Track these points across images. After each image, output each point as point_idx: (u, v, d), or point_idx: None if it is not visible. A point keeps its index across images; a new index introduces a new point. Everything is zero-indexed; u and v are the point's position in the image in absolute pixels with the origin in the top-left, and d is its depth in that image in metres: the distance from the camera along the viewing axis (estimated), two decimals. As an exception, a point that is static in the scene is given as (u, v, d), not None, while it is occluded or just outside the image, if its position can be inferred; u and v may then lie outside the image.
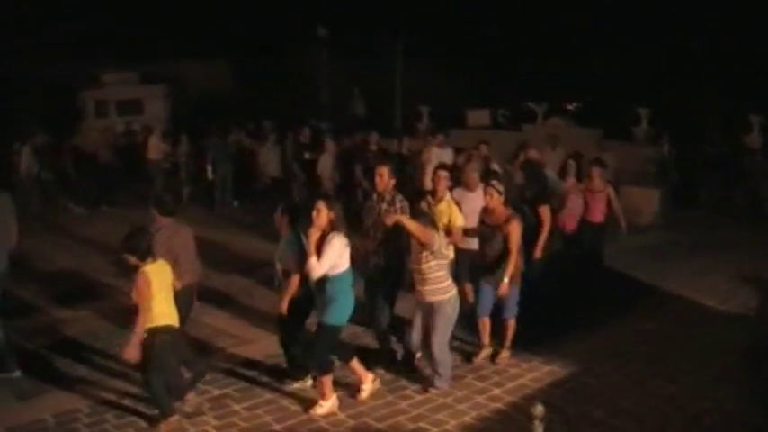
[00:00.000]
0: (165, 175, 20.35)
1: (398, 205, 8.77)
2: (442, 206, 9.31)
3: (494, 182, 9.08)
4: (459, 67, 34.35)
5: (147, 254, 7.29)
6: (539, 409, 4.75)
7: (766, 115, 19.57)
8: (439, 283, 8.02)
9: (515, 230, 8.77)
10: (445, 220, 9.03)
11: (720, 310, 10.95)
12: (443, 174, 9.65)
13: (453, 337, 8.74)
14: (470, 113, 26.58)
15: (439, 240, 7.95)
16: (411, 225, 7.93)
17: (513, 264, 8.74)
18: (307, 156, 18.63)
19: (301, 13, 31.78)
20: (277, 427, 7.56)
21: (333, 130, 23.88)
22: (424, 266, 7.96)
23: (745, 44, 25.50)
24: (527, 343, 9.40)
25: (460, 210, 9.41)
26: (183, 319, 7.89)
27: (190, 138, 20.86)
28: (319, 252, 7.53)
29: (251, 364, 9.06)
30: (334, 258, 7.52)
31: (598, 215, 11.91)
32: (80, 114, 28.35)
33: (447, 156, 15.28)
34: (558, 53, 35.65)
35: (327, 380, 7.77)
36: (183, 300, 7.88)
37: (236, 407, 7.91)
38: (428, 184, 11.87)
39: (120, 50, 31.35)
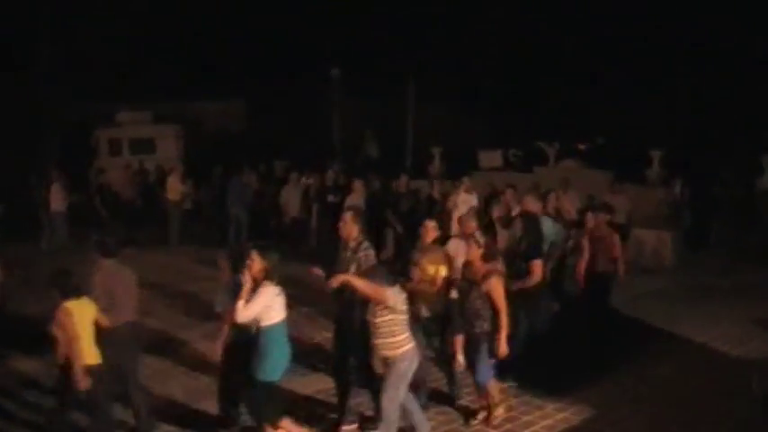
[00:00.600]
0: (182, 216, 20.55)
1: (361, 254, 8.38)
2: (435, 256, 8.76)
3: (476, 234, 9.09)
4: (471, 108, 34.57)
5: (71, 292, 7.59)
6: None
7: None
8: (391, 337, 7.64)
9: (496, 287, 8.48)
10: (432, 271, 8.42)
11: (734, 357, 10.89)
12: (431, 225, 9.48)
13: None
14: (482, 154, 26.60)
15: (394, 296, 7.61)
16: (359, 284, 7.67)
17: (503, 322, 8.47)
18: (330, 198, 18.50)
19: (316, 54, 32.08)
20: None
21: (345, 171, 23.99)
22: (378, 320, 7.66)
23: (758, 84, 25.59)
24: (540, 387, 9.42)
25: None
26: (122, 356, 8.11)
27: (207, 179, 21.08)
28: None
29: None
30: (261, 306, 7.41)
31: (604, 263, 11.44)
32: (94, 152, 28.60)
33: (474, 200, 15.39)
34: (570, 94, 35.84)
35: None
36: (119, 338, 8.01)
37: None
38: (455, 230, 11.80)
39: (136, 90, 31.72)
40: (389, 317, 7.58)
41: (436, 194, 18.38)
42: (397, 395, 7.66)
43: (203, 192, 22.20)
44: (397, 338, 7.62)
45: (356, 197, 17.07)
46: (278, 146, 29.83)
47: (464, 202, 14.81)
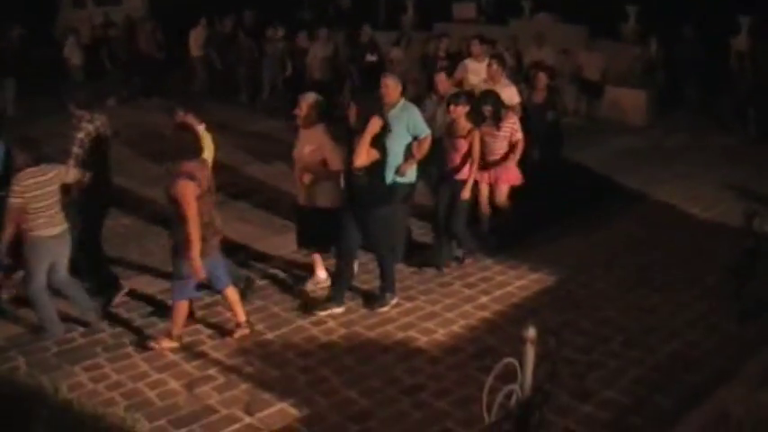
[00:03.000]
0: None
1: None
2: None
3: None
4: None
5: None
6: (531, 332, 4.78)
7: (756, 16, 19.30)
8: None
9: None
10: None
11: (705, 218, 11.04)
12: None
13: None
14: (456, 6, 26.02)
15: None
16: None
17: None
18: (370, 58, 17.03)
19: None
20: (270, 335, 7.65)
21: (316, 21, 23.42)
22: None
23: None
24: (514, 249, 9.56)
25: None
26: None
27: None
28: None
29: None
30: None
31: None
32: (56, 5, 27.64)
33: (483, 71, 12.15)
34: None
35: None
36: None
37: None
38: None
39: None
40: None
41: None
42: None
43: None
44: None
45: (319, 47, 17.03)
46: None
47: (474, 72, 12.49)
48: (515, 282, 8.86)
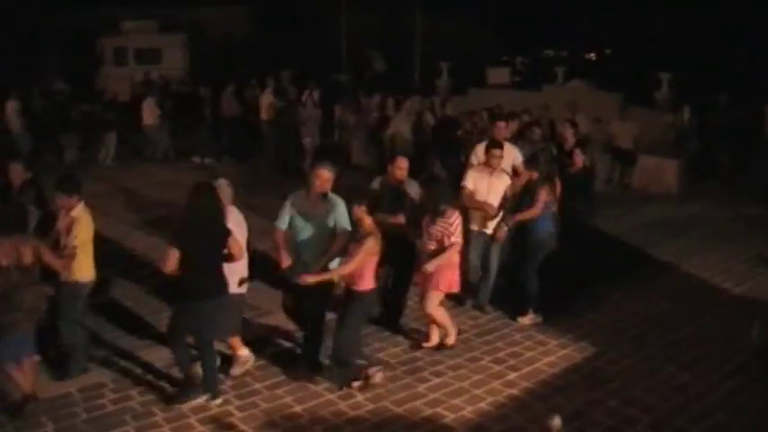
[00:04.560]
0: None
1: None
2: None
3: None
4: (479, 19, 34.14)
5: None
6: (556, 422, 4.84)
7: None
8: None
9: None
10: None
11: (736, 294, 11.00)
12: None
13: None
14: (491, 71, 26.42)
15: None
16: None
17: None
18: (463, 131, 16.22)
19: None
20: (298, 408, 7.70)
21: (353, 84, 23.83)
22: None
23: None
24: (542, 324, 9.61)
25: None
26: None
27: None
28: None
29: (270, 338, 9.19)
30: None
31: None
32: (98, 61, 28.43)
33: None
34: (578, 4, 35.44)
35: None
36: None
37: (258, 386, 8.04)
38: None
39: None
40: None
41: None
42: None
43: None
44: None
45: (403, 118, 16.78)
46: (283, 55, 29.56)
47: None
48: (543, 358, 8.86)
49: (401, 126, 16.76)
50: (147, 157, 19.80)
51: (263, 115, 19.53)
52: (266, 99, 19.64)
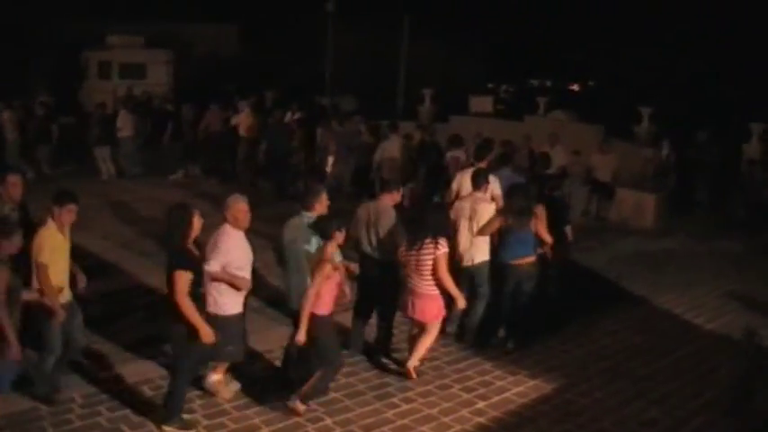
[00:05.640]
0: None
1: None
2: None
3: None
4: (465, 45, 34.36)
5: None
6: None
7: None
8: None
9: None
10: None
11: (708, 330, 11.04)
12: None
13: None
14: (473, 99, 26.55)
15: None
16: None
17: None
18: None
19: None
20: (266, 430, 7.67)
21: (335, 107, 23.90)
22: None
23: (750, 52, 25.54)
24: (513, 354, 9.62)
25: None
26: None
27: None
28: None
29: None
30: None
31: None
32: (82, 74, 28.41)
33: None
34: (564, 35, 35.75)
35: None
36: None
37: (227, 406, 8.01)
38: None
39: (126, 9, 31.38)
40: None
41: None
42: None
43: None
44: None
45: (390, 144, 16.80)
46: (269, 75, 29.65)
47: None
48: (513, 388, 8.86)
49: (391, 151, 16.74)
50: (129, 174, 19.65)
51: (243, 133, 19.50)
52: (246, 117, 19.64)
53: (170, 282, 7.28)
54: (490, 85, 40.63)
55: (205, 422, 7.74)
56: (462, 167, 12.86)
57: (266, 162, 18.90)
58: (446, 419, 8.07)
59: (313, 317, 7.78)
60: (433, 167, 16.26)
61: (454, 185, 11.53)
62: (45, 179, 17.71)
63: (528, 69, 47.79)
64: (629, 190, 17.11)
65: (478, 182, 10.19)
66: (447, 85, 27.55)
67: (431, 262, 8.58)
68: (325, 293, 7.83)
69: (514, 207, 9.76)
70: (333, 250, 7.89)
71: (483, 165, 11.39)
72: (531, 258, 9.82)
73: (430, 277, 8.64)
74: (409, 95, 27.95)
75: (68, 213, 7.82)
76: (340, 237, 7.95)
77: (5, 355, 7.16)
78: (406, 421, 7.98)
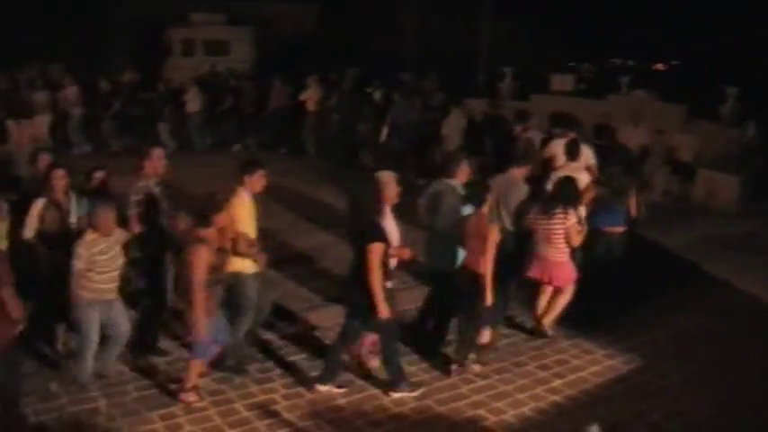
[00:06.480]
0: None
1: None
2: None
3: None
4: (547, 25, 34.00)
5: None
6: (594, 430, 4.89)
7: None
8: None
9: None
10: None
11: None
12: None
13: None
14: (554, 77, 26.25)
15: None
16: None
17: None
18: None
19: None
20: (342, 401, 7.85)
21: (415, 84, 23.86)
22: None
23: None
24: (590, 333, 9.57)
25: None
26: None
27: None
28: None
29: (320, 331, 9.38)
30: None
31: None
32: (166, 52, 28.89)
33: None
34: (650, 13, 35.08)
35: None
36: None
37: (300, 377, 8.23)
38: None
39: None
40: None
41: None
42: None
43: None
44: None
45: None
46: (350, 52, 29.76)
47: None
48: (590, 367, 8.87)
49: (455, 125, 16.84)
50: (196, 148, 20.21)
51: (311, 107, 20.09)
52: (314, 92, 20.20)
53: (362, 254, 7.58)
54: (572, 64, 40.11)
55: (283, 391, 7.96)
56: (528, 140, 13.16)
57: (338, 133, 19.33)
58: (521, 396, 8.13)
59: (479, 277, 8.11)
60: (499, 140, 16.24)
61: (545, 155, 11.79)
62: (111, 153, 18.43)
63: (611, 48, 47.07)
64: (711, 171, 16.77)
65: (573, 152, 10.73)
66: (529, 63, 27.30)
67: (562, 231, 9.07)
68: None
69: (614, 184, 10.32)
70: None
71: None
72: (622, 228, 10.26)
73: (561, 245, 9.13)
74: (491, 74, 27.79)
75: (260, 179, 8.21)
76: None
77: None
78: (481, 397, 8.07)
